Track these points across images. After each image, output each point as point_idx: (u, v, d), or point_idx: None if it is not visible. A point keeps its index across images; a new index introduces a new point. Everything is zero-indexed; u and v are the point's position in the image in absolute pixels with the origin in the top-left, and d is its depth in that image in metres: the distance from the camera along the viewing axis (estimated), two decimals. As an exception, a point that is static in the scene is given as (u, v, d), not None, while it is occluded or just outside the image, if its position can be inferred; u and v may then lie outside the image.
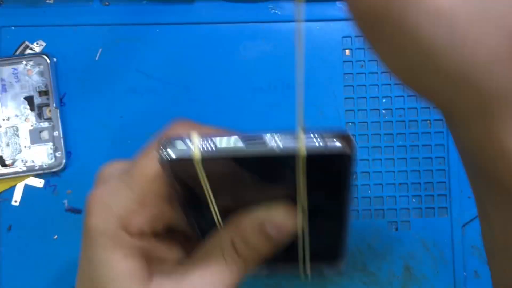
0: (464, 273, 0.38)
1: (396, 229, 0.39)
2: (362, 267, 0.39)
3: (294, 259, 0.26)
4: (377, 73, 0.39)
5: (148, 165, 0.22)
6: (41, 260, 0.38)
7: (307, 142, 0.19)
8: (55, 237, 0.38)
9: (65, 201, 0.38)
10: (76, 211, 0.38)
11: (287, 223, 0.22)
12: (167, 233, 0.24)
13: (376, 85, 0.39)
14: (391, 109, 0.39)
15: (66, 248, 0.38)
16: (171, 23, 0.39)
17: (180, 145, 0.19)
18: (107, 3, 0.39)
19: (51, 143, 0.38)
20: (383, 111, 0.39)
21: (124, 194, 0.22)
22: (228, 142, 0.19)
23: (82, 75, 0.39)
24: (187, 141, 0.19)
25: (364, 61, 0.39)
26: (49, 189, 0.39)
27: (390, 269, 0.39)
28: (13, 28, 0.39)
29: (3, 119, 0.38)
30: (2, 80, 0.38)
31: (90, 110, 0.39)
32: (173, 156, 0.19)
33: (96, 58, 0.39)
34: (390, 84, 0.39)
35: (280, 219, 0.22)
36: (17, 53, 0.39)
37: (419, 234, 0.39)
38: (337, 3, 0.39)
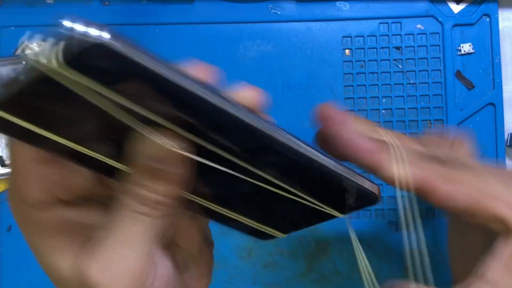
0: (464, 273, 0.38)
1: (396, 229, 0.39)
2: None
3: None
4: (377, 73, 0.39)
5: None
6: (41, 260, 0.38)
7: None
8: (55, 237, 0.38)
9: (65, 201, 0.38)
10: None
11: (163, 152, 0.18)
12: (84, 201, 0.22)
13: (376, 85, 0.39)
14: (391, 109, 0.39)
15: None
16: (170, 23, 0.39)
17: None
18: (106, 3, 0.39)
19: (51, 143, 0.38)
20: (383, 111, 0.39)
21: (13, 169, 0.20)
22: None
23: (82, 75, 0.39)
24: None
25: (364, 61, 0.39)
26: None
27: (390, 269, 0.39)
28: (12, 28, 0.39)
29: (3, 119, 0.38)
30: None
31: (90, 110, 0.39)
32: None
33: (96, 58, 0.39)
34: (390, 84, 0.39)
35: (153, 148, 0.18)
36: (17, 53, 0.39)
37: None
38: (337, 3, 0.39)
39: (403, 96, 0.39)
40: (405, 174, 0.24)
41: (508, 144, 0.39)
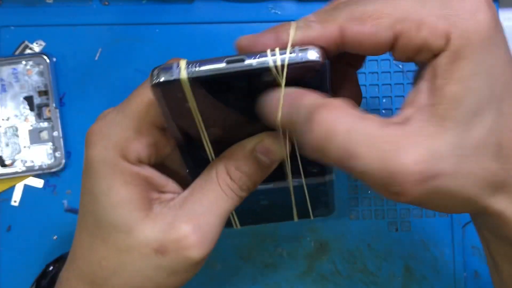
0: (465, 274, 0.38)
1: (397, 229, 0.39)
2: (362, 267, 0.39)
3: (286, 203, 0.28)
4: (377, 73, 0.39)
5: (143, 94, 0.23)
6: (41, 260, 0.38)
7: (281, 56, 0.20)
8: (54, 237, 0.38)
9: (65, 201, 0.38)
10: (76, 211, 0.38)
11: (275, 147, 0.24)
12: (163, 168, 0.26)
13: (376, 85, 0.39)
14: (391, 109, 0.39)
15: (66, 248, 0.38)
16: (170, 23, 0.39)
17: (169, 71, 0.21)
18: (106, 3, 0.39)
19: (50, 143, 0.38)
20: (383, 111, 0.39)
21: (121, 123, 0.23)
22: (211, 62, 0.21)
23: (82, 75, 0.39)
24: (176, 66, 0.21)
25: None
26: (48, 189, 0.39)
27: (390, 270, 0.39)
28: (12, 28, 0.39)
29: (3, 119, 0.38)
30: (2, 80, 0.38)
31: (89, 110, 0.39)
32: (162, 79, 0.21)
33: (96, 58, 0.39)
34: (390, 84, 0.39)
35: (268, 144, 0.24)
36: (17, 53, 0.39)
37: (419, 234, 0.39)
38: (337, 3, 0.39)
39: (403, 96, 0.39)
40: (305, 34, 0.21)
41: (508, 144, 0.39)
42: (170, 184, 0.26)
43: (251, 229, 0.39)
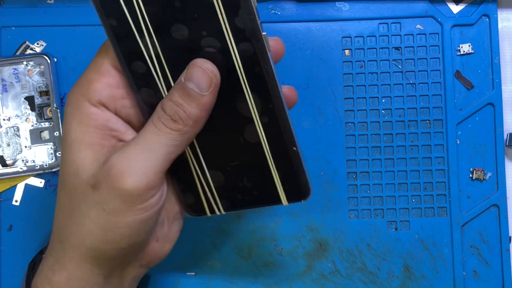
0: (464, 273, 0.39)
1: (396, 228, 0.39)
2: (361, 266, 0.39)
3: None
4: (376, 73, 0.39)
5: (104, 45, 0.26)
6: (41, 259, 0.38)
7: None
8: (55, 237, 0.38)
9: (66, 201, 0.39)
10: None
11: (199, 76, 0.24)
12: (125, 121, 0.27)
13: (376, 85, 0.39)
14: (390, 109, 0.39)
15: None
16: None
17: None
18: (107, 3, 0.39)
19: (51, 143, 0.38)
20: (383, 111, 0.39)
21: (89, 67, 0.26)
22: None
23: (83, 75, 0.39)
24: None
25: (363, 61, 0.39)
26: (49, 189, 0.39)
27: (389, 269, 0.39)
28: (13, 28, 0.39)
29: (4, 119, 0.38)
30: (3, 80, 0.38)
31: (90, 110, 0.39)
32: None
33: (97, 58, 0.39)
34: (389, 84, 0.39)
35: (194, 73, 0.24)
36: (18, 53, 0.39)
37: (418, 233, 0.39)
38: (337, 3, 0.40)
39: (402, 96, 0.39)
40: None
41: (507, 144, 0.39)
42: (130, 133, 0.26)
43: (251, 228, 0.39)
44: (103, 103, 0.25)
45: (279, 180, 0.28)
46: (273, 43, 0.27)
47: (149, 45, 0.25)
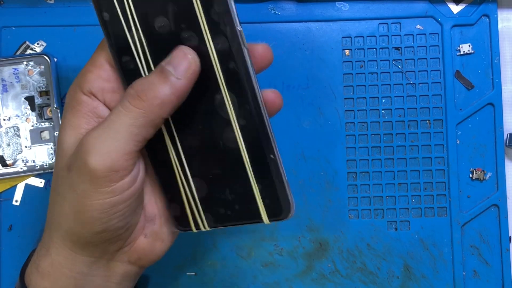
0: (463, 273, 0.39)
1: (396, 228, 0.39)
2: (361, 266, 0.39)
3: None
4: (376, 73, 0.39)
5: (102, 42, 0.27)
6: (41, 259, 0.38)
7: None
8: (55, 237, 0.38)
9: (66, 201, 0.39)
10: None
11: (183, 61, 0.24)
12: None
13: (376, 85, 0.39)
14: (390, 109, 0.39)
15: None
16: (171, 23, 0.39)
17: None
18: (107, 4, 0.39)
19: (51, 143, 0.38)
20: (383, 111, 0.39)
21: (87, 63, 0.27)
22: None
23: (83, 75, 0.39)
24: None
25: (363, 61, 0.39)
26: (49, 189, 0.39)
27: (389, 269, 0.39)
28: (13, 28, 0.39)
29: (4, 119, 0.38)
30: (3, 80, 0.38)
31: (90, 110, 0.39)
32: None
33: (97, 58, 0.39)
34: (389, 85, 0.39)
35: (177, 57, 0.24)
36: (18, 53, 0.39)
37: (418, 233, 0.39)
38: (337, 3, 0.40)
39: (402, 96, 0.39)
40: None
41: (507, 144, 0.39)
42: None
43: (251, 228, 0.39)
44: (93, 93, 0.26)
45: (258, 193, 0.26)
46: (260, 49, 0.27)
47: (135, 39, 0.25)
